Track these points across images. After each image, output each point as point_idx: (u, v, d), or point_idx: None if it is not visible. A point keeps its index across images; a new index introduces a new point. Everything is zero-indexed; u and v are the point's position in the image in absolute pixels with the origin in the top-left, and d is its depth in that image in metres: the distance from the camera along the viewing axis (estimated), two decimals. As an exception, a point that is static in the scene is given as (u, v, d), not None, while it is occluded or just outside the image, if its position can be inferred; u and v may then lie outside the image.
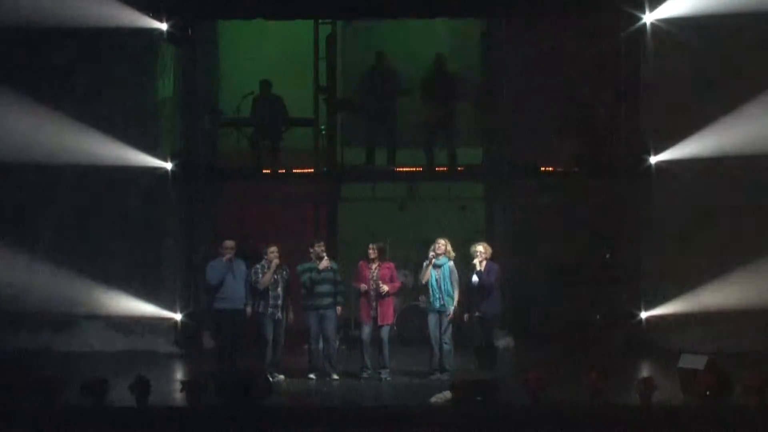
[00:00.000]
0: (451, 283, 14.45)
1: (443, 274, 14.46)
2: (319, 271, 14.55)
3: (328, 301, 14.62)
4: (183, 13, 17.30)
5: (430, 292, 14.51)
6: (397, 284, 14.86)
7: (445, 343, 14.38)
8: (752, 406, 12.06)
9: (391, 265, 14.84)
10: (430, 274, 14.48)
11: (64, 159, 16.52)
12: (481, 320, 14.55)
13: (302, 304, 14.70)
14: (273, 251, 14.60)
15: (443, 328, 14.39)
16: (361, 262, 14.74)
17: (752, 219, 16.60)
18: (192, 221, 17.66)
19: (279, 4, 17.40)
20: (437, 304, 14.45)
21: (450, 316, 14.41)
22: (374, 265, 14.61)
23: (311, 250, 14.70)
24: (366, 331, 14.58)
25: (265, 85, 18.02)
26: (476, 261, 14.53)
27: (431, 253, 14.52)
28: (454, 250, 14.64)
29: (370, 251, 14.61)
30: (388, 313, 14.63)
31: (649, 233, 17.17)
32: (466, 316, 14.64)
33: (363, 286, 14.57)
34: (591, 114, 17.91)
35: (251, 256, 15.09)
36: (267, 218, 18.18)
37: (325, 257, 14.63)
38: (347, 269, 15.03)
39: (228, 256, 14.70)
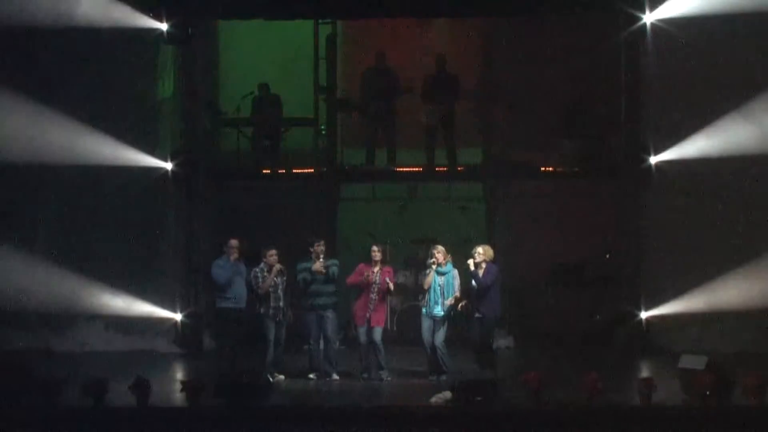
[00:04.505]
0: (454, 288, 14.42)
1: (447, 280, 14.40)
2: (312, 272, 14.53)
3: (325, 301, 14.59)
4: (183, 13, 17.29)
5: (431, 297, 14.41)
6: (388, 289, 14.67)
7: (439, 348, 14.34)
8: (752, 406, 12.06)
9: (391, 269, 14.75)
10: (433, 280, 14.44)
11: (64, 159, 16.52)
12: (480, 321, 14.53)
13: (301, 304, 14.70)
14: (272, 254, 14.50)
15: (436, 334, 14.36)
16: (361, 264, 14.68)
17: (752, 219, 16.59)
18: (192, 221, 17.64)
19: (279, 4, 17.38)
20: (437, 310, 14.39)
21: (450, 301, 14.35)
22: (377, 269, 14.54)
23: (311, 250, 14.67)
24: (362, 332, 14.57)
25: (264, 88, 18.05)
26: (470, 261, 14.43)
27: (431, 260, 14.47)
28: (453, 251, 14.58)
29: (375, 253, 14.50)
30: (381, 316, 14.59)
31: (649, 233, 17.16)
32: (461, 303, 14.55)
33: (359, 283, 14.49)
34: (591, 114, 17.91)
35: (250, 257, 15.05)
36: (267, 218, 18.16)
37: (321, 258, 14.58)
38: (347, 269, 15.00)
39: (235, 255, 14.63)
